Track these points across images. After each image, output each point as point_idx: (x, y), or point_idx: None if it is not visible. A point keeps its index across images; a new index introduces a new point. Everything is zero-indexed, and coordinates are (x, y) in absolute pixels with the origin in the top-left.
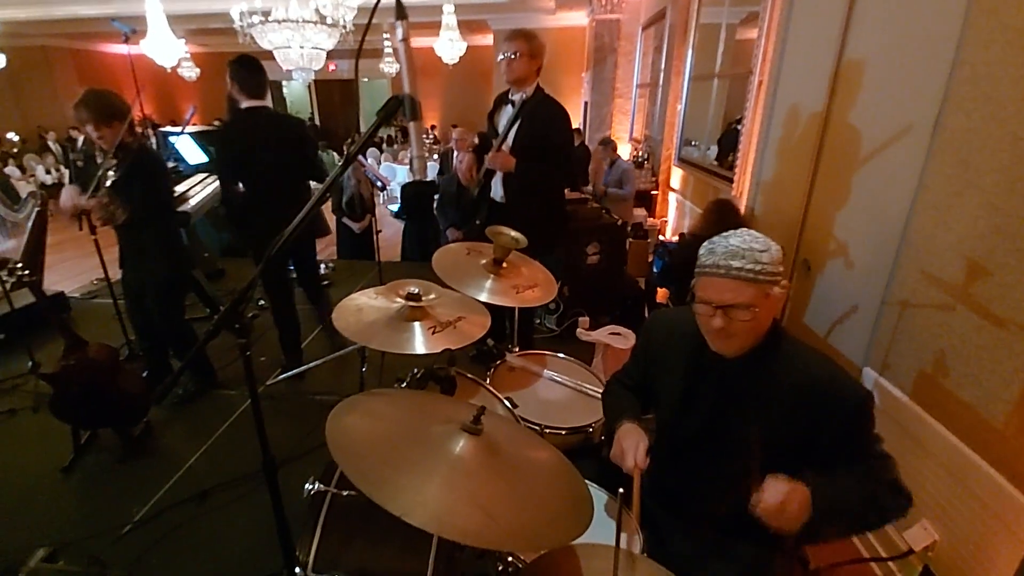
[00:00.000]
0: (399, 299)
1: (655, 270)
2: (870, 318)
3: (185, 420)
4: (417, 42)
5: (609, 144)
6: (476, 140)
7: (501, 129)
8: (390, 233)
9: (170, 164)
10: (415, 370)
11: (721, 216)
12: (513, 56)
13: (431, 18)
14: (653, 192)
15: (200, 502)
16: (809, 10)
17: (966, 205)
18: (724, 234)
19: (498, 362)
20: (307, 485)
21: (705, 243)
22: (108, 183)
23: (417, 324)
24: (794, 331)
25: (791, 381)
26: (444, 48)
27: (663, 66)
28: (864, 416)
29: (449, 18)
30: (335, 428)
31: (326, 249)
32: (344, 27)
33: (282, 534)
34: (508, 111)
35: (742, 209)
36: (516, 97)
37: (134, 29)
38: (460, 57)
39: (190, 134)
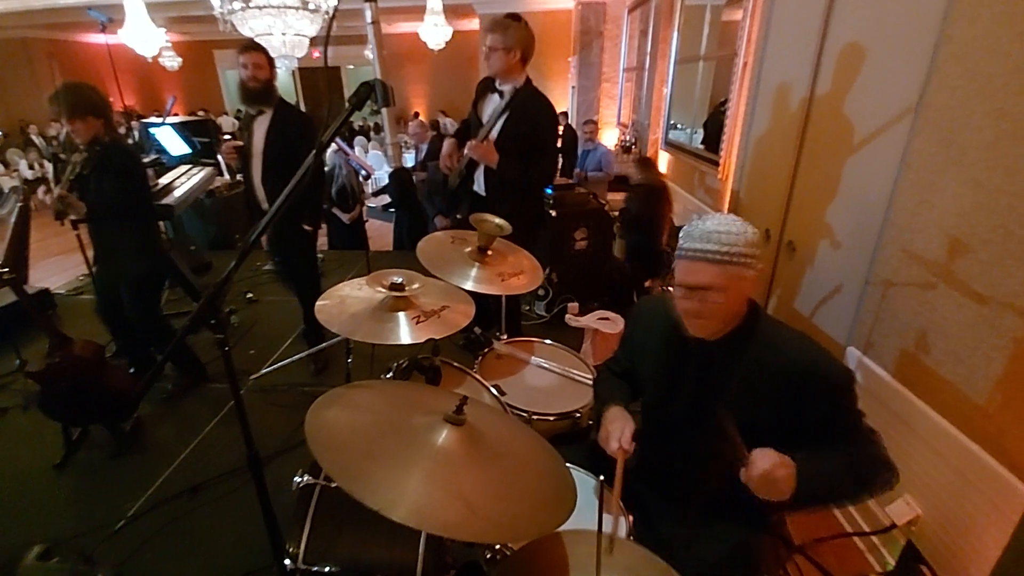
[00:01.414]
0: (382, 289)
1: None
2: (853, 298)
3: (175, 415)
4: (402, 27)
5: (593, 125)
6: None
7: (486, 119)
8: (378, 223)
9: (152, 156)
10: (401, 361)
11: (644, 166)
12: (489, 50)
13: (416, 2)
14: None
15: (192, 496)
16: None
17: (949, 183)
18: (703, 217)
19: (486, 350)
20: (296, 478)
21: (684, 228)
22: (73, 176)
23: (401, 314)
24: (779, 311)
25: (772, 362)
26: (429, 33)
27: (649, 49)
28: (846, 394)
29: (434, 2)
30: (314, 422)
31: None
32: (327, 13)
33: (270, 528)
34: (494, 100)
35: (728, 192)
36: (505, 88)
37: (111, 18)
38: (446, 42)
39: (172, 125)
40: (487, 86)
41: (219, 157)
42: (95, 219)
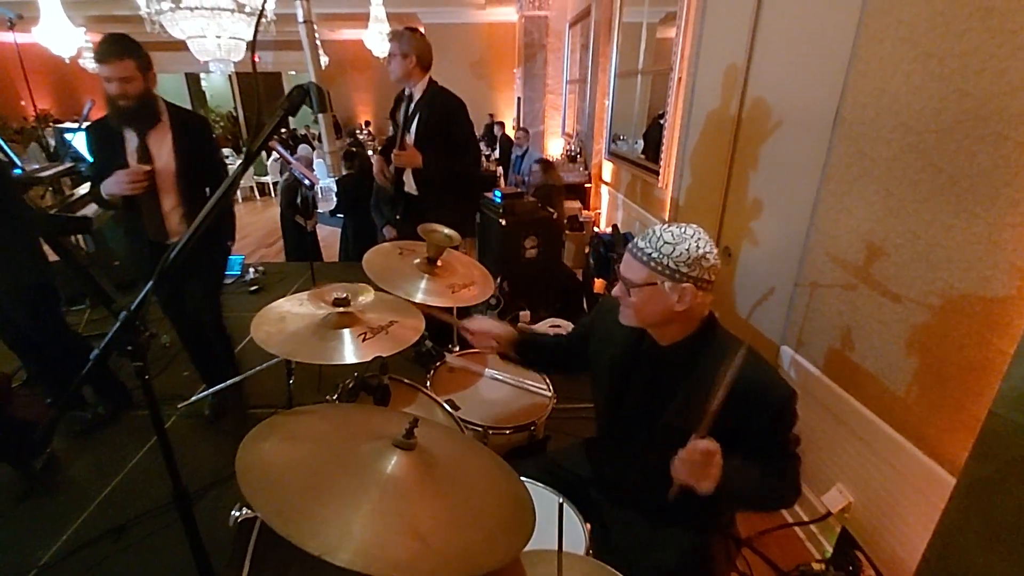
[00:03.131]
0: (325, 305)
1: (591, 261)
2: (785, 299)
3: (96, 448)
4: (346, 34)
5: (524, 132)
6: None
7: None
8: (325, 233)
9: (68, 164)
10: (346, 380)
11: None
12: (389, 58)
13: (360, 9)
14: (586, 185)
15: (115, 539)
16: (722, 10)
17: (864, 192)
18: (678, 223)
19: (438, 364)
20: (234, 512)
21: None
22: None
23: (346, 331)
24: (716, 315)
25: (720, 374)
26: (374, 41)
27: (590, 63)
28: (787, 413)
29: (377, 10)
30: (247, 458)
31: (257, 252)
32: (265, 16)
33: (202, 571)
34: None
35: (668, 200)
36: (411, 93)
37: (20, 15)
38: None
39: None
40: (401, 96)
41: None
42: None
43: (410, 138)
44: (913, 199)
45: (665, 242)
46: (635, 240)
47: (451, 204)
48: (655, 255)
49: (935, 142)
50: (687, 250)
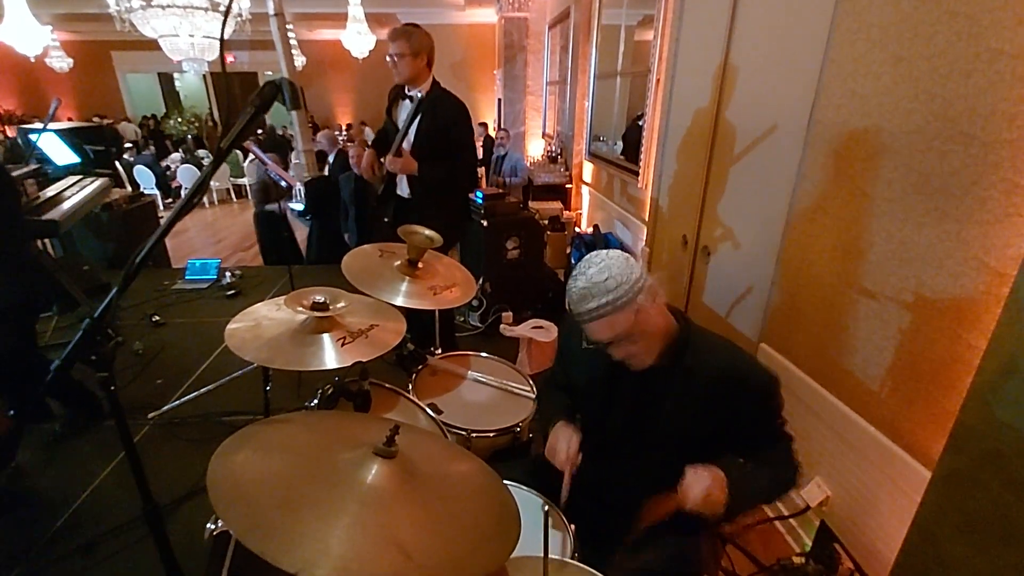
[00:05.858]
0: (303, 310)
1: (572, 261)
2: (763, 297)
3: (64, 460)
4: (324, 34)
5: (505, 132)
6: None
7: (401, 126)
8: (304, 236)
9: (33, 166)
10: (325, 386)
11: None
12: (397, 58)
13: (338, 9)
14: (567, 186)
15: (86, 554)
16: (698, 13)
17: (839, 191)
18: (576, 273)
19: (420, 366)
20: (209, 524)
21: (568, 286)
22: None
23: (326, 336)
24: (696, 313)
25: (704, 374)
26: (352, 41)
27: (570, 64)
28: (773, 399)
29: (356, 10)
30: (219, 471)
31: (234, 256)
32: (240, 15)
33: None
34: (407, 106)
35: (648, 200)
36: (413, 93)
37: None
38: (370, 51)
39: (56, 131)
40: (399, 93)
41: None
42: None
43: (408, 141)
44: (886, 198)
45: (602, 282)
46: (581, 311)
47: (444, 210)
48: (610, 298)
49: (907, 142)
50: (617, 270)
